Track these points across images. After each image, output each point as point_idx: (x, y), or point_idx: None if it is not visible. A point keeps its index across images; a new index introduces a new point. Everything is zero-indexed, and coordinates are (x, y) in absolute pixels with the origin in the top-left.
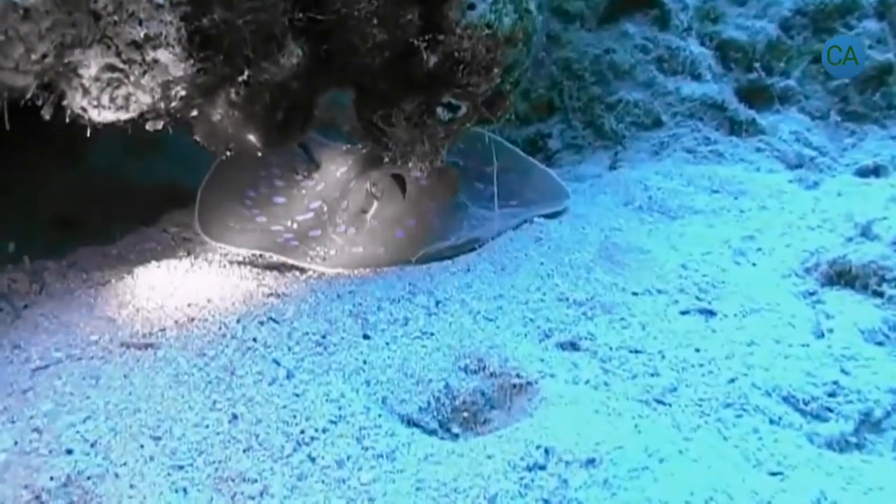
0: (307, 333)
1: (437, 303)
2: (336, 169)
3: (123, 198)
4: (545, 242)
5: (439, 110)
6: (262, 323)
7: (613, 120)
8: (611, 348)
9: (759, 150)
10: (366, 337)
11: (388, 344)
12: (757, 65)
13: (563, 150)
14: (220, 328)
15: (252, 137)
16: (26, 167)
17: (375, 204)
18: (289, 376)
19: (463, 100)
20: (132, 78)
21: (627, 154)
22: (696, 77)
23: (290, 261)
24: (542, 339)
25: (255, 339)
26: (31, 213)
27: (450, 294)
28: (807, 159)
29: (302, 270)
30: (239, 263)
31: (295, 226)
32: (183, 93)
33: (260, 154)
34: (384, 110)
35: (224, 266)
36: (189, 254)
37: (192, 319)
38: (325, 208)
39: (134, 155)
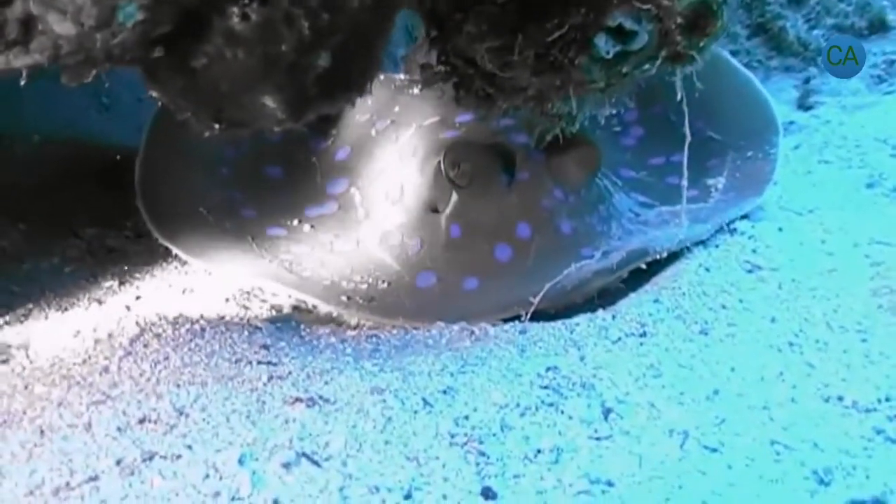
0: (377, 490)
1: (607, 411)
2: (372, 121)
3: (8, 170)
4: (766, 274)
5: (599, 41)
6: (287, 466)
7: (802, 24)
8: None
9: None
10: (488, 494)
11: None
12: None
13: None
14: (186, 487)
15: (270, 102)
16: None
17: (455, 197)
18: None
19: (645, 20)
20: None
21: (828, 81)
22: None
23: (310, 300)
24: (815, 489)
25: None
26: None
27: (625, 389)
28: None
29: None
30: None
31: (307, 227)
32: (138, 16)
33: (276, 129)
34: (496, 40)
35: (190, 323)
36: (120, 283)
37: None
38: (358, 194)
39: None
